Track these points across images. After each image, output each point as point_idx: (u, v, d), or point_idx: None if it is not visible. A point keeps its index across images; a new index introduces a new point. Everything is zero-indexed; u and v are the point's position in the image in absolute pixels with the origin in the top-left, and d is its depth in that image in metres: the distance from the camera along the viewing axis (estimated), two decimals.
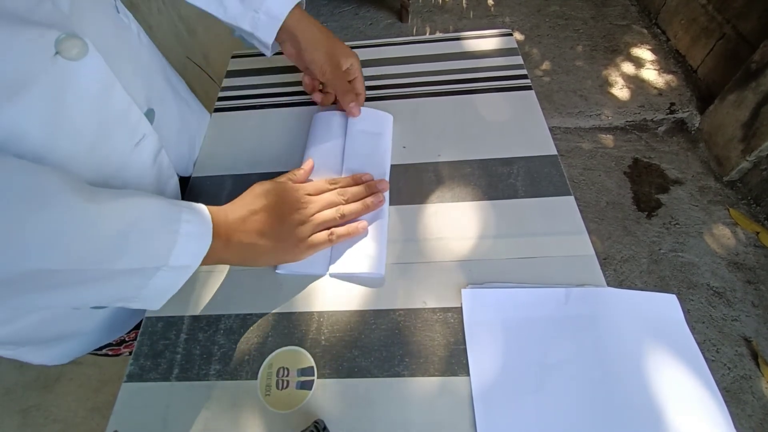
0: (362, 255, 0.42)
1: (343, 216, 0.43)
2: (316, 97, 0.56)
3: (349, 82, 0.53)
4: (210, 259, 0.36)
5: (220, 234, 0.36)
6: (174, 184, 0.49)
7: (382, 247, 0.43)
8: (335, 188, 0.45)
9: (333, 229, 0.42)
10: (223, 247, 0.36)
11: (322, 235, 0.42)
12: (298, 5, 0.48)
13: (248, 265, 0.43)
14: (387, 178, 0.48)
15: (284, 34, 0.48)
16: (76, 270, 0.28)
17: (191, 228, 0.33)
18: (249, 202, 0.40)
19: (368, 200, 0.44)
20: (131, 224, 0.30)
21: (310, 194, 0.44)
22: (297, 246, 0.40)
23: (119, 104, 0.38)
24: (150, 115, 0.43)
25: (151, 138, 0.43)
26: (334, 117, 0.54)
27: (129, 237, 0.30)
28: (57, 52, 0.31)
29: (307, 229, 0.41)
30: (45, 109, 0.31)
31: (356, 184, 0.46)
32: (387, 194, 0.47)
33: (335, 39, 0.51)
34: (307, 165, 0.48)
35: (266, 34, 0.48)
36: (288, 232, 0.40)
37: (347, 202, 0.44)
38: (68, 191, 0.27)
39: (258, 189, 0.41)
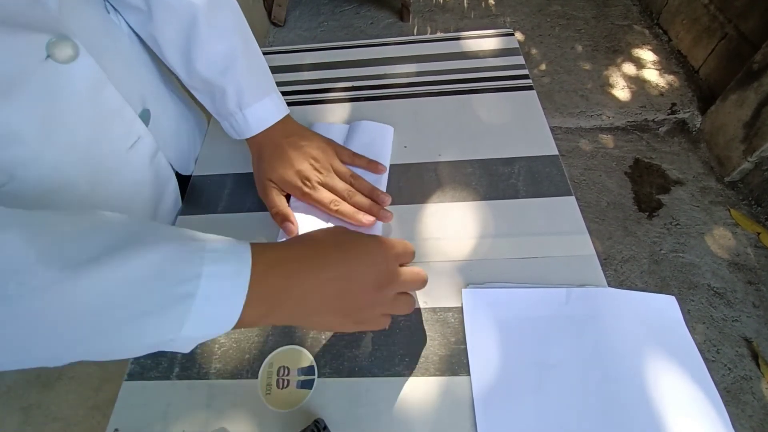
0: None
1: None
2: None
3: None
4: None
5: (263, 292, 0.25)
6: (173, 186, 0.49)
7: None
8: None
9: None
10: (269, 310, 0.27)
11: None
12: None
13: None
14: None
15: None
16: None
17: (214, 284, 0.23)
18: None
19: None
20: (121, 305, 0.21)
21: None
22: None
23: (112, 104, 0.38)
24: (145, 115, 0.43)
25: (147, 140, 0.43)
26: (332, 128, 0.53)
27: (117, 317, 0.22)
28: (48, 56, 0.31)
29: None
30: (37, 111, 0.31)
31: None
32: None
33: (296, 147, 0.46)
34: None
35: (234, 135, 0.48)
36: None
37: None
38: (33, 260, 0.19)
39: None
